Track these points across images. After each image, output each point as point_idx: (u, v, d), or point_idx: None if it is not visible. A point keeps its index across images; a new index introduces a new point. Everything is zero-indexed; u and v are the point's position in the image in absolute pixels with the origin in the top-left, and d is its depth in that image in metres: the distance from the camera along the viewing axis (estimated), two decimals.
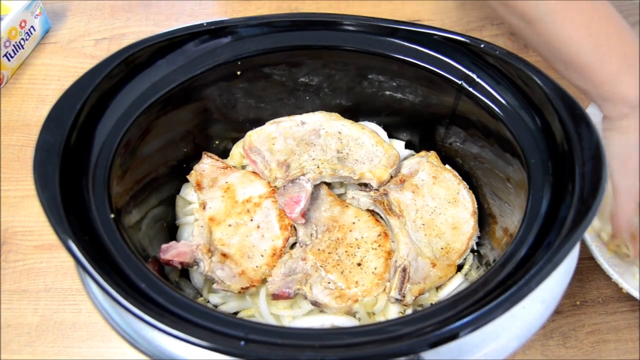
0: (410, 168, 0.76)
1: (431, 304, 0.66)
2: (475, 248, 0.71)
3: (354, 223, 0.70)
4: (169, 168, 0.74)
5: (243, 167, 0.79)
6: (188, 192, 0.76)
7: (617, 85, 0.62)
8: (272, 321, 0.65)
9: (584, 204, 0.51)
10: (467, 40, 0.64)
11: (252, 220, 0.70)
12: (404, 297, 0.63)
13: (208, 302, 0.68)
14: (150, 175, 0.70)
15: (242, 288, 0.64)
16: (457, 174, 0.75)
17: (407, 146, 0.82)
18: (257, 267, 0.66)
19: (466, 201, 0.72)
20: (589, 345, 0.73)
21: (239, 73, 0.71)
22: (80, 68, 1.01)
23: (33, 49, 1.03)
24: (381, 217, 0.72)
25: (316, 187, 0.72)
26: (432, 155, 0.77)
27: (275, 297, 0.64)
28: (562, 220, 0.51)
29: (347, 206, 0.72)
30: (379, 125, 0.81)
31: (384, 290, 0.65)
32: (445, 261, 0.68)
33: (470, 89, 0.65)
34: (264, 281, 0.66)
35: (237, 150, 0.80)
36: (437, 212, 0.71)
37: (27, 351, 0.73)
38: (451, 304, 0.49)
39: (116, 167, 0.59)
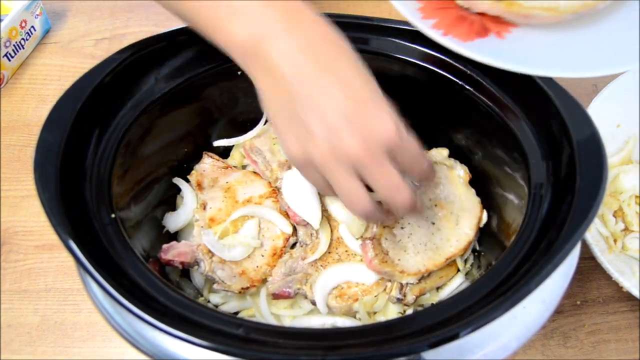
0: None
1: (432, 304, 0.66)
2: (476, 248, 0.71)
3: None
4: (169, 168, 0.74)
5: (244, 167, 0.79)
6: (188, 192, 0.76)
7: (222, 24, 0.50)
8: (272, 321, 0.65)
9: (584, 204, 0.51)
10: None
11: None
12: (404, 296, 0.63)
13: (208, 302, 0.68)
14: (150, 176, 0.70)
15: (242, 288, 0.64)
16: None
17: None
18: (257, 267, 0.66)
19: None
20: (589, 345, 0.73)
21: (239, 73, 0.71)
22: (81, 68, 1.01)
23: (33, 49, 1.03)
24: None
25: None
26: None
27: (276, 296, 0.64)
28: (562, 220, 0.51)
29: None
30: None
31: (385, 289, 0.65)
32: None
33: (471, 89, 0.65)
34: (264, 281, 0.66)
35: (237, 150, 0.80)
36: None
37: (28, 351, 0.73)
38: (451, 304, 0.49)
39: (116, 167, 0.59)
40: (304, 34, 0.49)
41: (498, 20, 0.54)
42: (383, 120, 0.49)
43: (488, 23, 0.54)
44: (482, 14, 0.55)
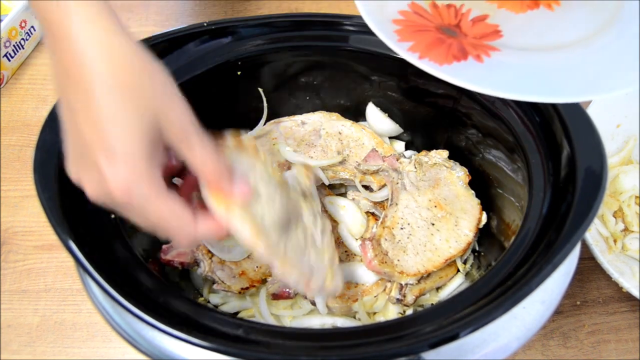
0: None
1: (432, 304, 0.66)
2: (475, 248, 0.71)
3: None
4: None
5: None
6: None
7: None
8: (272, 321, 0.65)
9: (584, 204, 0.51)
10: None
11: None
12: (404, 297, 0.63)
13: (208, 302, 0.68)
14: None
15: (242, 288, 0.64)
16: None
17: (407, 146, 0.82)
18: (257, 267, 0.66)
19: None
20: (589, 345, 0.73)
21: (239, 73, 0.71)
22: None
23: (33, 49, 1.03)
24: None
25: (316, 187, 0.72)
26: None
27: (275, 297, 0.64)
28: (562, 220, 0.51)
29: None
30: None
31: (384, 290, 0.65)
32: None
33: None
34: (264, 281, 0.66)
35: None
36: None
37: (27, 351, 0.73)
38: (451, 304, 0.49)
39: None
40: None
41: (478, 43, 0.53)
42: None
43: (467, 46, 0.53)
44: (461, 37, 0.55)
